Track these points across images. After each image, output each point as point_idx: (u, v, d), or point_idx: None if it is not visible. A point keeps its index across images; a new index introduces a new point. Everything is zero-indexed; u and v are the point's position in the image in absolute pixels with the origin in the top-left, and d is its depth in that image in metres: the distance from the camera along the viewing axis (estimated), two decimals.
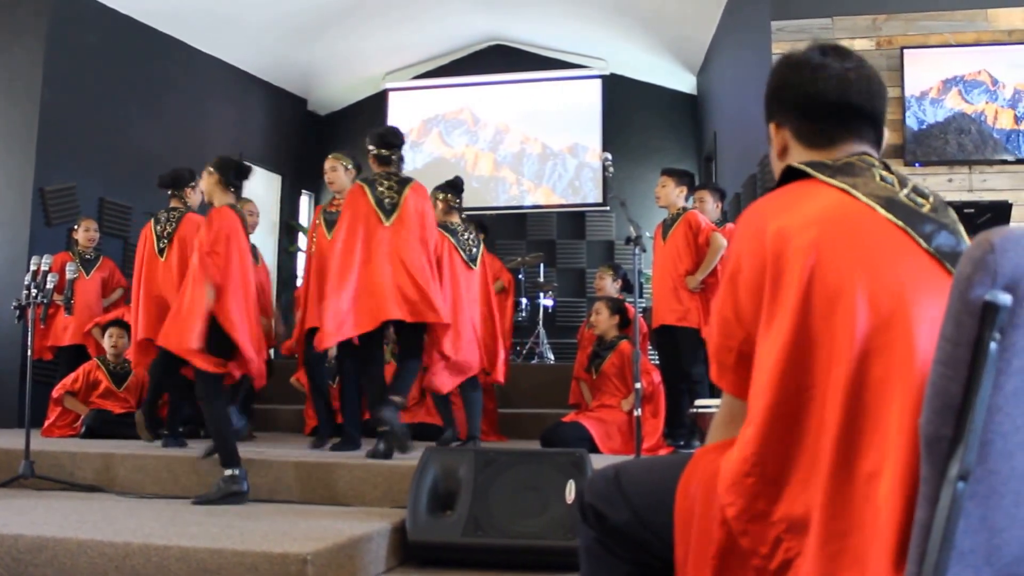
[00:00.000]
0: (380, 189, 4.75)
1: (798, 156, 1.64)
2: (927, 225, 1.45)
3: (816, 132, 1.63)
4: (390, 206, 4.72)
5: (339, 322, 4.55)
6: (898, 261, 1.41)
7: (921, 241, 1.43)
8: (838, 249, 1.40)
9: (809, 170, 1.56)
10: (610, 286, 6.31)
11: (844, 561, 1.29)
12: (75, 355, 6.67)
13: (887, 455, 1.28)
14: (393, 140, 4.91)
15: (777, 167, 1.70)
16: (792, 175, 1.60)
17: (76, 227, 6.98)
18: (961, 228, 1.48)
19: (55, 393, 6.17)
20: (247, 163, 4.58)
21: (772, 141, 1.71)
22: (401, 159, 4.94)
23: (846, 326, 1.35)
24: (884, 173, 1.54)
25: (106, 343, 6.32)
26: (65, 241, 7.28)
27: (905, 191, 1.50)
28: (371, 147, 4.90)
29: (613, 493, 1.69)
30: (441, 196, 5.55)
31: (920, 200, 1.49)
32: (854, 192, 1.48)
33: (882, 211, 1.46)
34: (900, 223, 1.44)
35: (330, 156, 5.50)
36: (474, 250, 5.53)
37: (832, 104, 1.61)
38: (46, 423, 6.11)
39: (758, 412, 1.42)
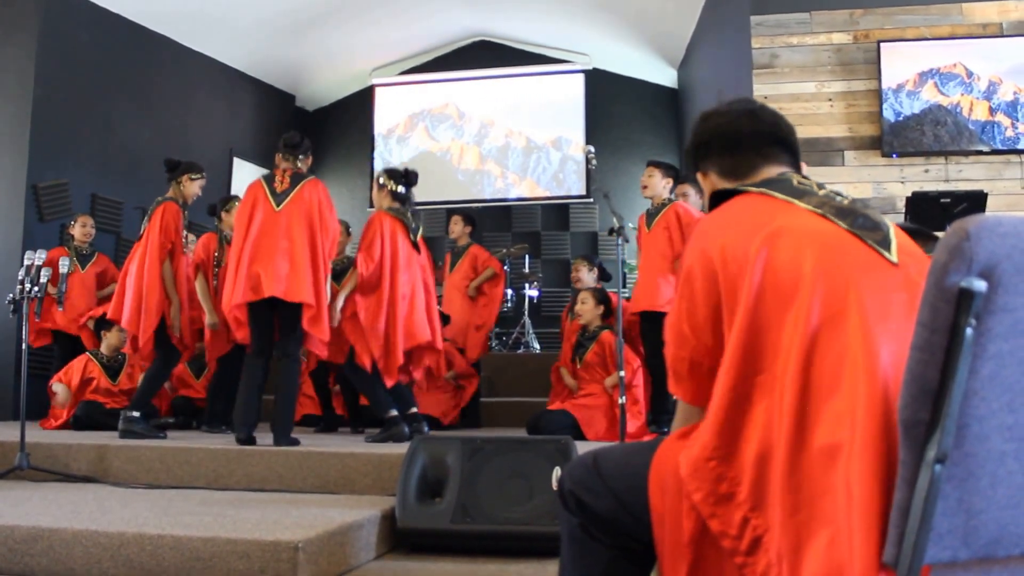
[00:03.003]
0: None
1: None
2: (843, 211, 1.57)
3: (736, 165, 1.79)
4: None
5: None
6: (830, 241, 1.51)
7: (840, 223, 1.54)
8: (780, 244, 1.51)
9: (732, 187, 1.74)
10: (587, 277, 6.34)
11: (813, 526, 1.33)
12: (71, 346, 6.68)
13: (849, 429, 1.33)
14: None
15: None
16: (721, 198, 1.75)
17: (72, 223, 6.99)
18: (881, 218, 1.59)
19: (52, 386, 6.17)
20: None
21: (703, 191, 1.89)
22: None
23: (798, 313, 1.43)
24: (800, 179, 1.70)
25: (114, 338, 6.26)
26: (59, 236, 7.30)
27: (823, 191, 1.64)
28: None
29: (593, 480, 1.72)
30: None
31: (839, 198, 1.63)
32: (772, 193, 1.64)
33: (799, 203, 1.60)
34: (817, 210, 1.58)
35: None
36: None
37: (745, 135, 1.79)
38: (49, 414, 6.14)
39: (717, 399, 1.50)
